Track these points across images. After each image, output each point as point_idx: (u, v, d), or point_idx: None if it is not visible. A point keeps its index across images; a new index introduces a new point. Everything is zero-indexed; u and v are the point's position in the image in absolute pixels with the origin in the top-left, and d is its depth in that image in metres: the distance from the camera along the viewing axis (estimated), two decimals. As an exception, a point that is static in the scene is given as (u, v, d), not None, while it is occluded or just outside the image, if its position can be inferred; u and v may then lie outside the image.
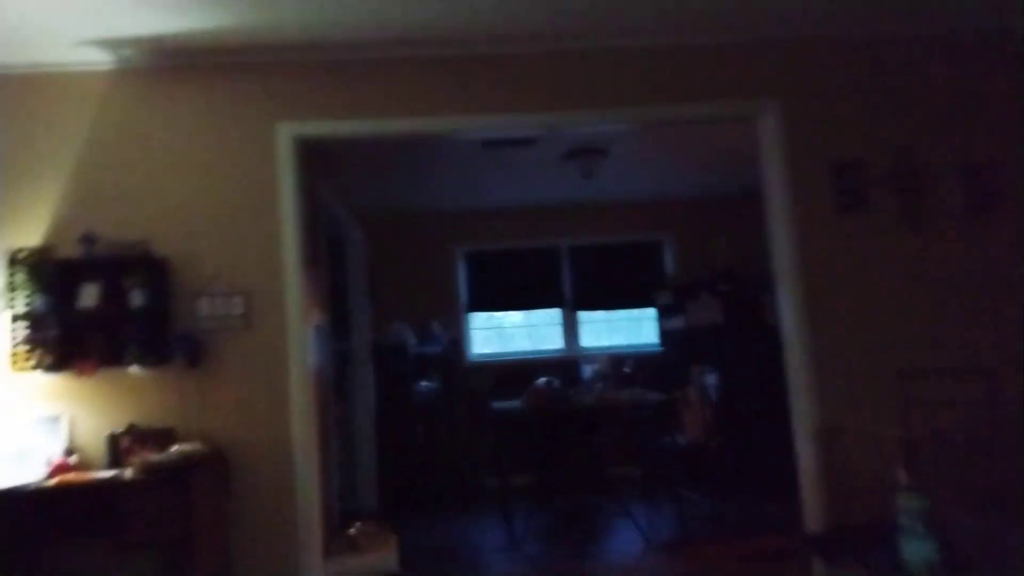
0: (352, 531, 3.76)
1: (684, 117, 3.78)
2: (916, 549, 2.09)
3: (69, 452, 3.37)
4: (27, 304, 3.38)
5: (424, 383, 6.51)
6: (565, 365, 6.72)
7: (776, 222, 3.75)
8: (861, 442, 3.54)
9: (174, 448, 3.18)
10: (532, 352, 7.32)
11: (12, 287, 3.36)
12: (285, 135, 3.61)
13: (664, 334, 6.87)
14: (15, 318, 3.35)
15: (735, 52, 3.78)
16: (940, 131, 3.78)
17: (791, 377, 3.71)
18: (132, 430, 3.39)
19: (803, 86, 3.78)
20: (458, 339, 7.10)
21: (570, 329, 7.36)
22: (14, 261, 3.39)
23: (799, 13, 3.58)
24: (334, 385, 5.03)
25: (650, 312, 7.25)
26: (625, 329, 7.49)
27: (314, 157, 4.16)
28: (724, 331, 6.01)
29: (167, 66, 3.62)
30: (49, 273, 3.38)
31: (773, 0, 3.43)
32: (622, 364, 5.84)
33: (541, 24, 3.51)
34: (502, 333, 7.48)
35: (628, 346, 7.29)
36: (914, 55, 3.82)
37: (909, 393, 3.33)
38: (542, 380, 5.20)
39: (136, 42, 3.42)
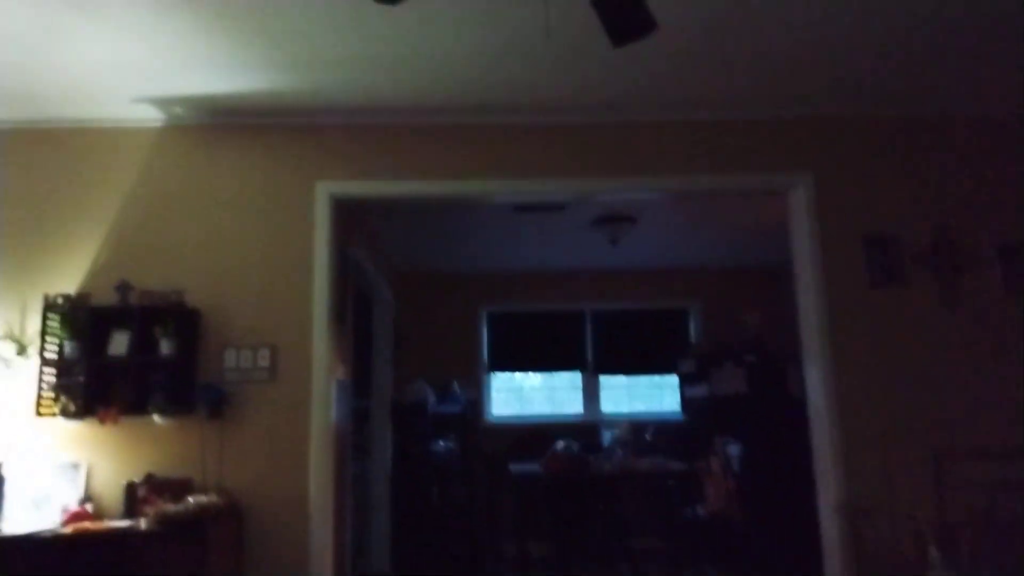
0: (364, 594, 3.67)
1: (716, 188, 3.80)
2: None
3: (86, 499, 3.35)
4: (57, 350, 3.41)
5: (442, 443, 6.44)
6: (584, 430, 6.63)
7: (806, 295, 3.73)
8: (891, 521, 3.43)
9: (190, 499, 3.15)
10: (551, 415, 7.24)
11: (44, 333, 3.39)
12: (323, 194, 3.68)
13: (686, 402, 6.77)
14: (44, 363, 3.37)
15: (768, 125, 3.82)
16: (977, 208, 3.77)
17: (817, 452, 3.64)
18: (150, 479, 3.37)
19: (836, 160, 3.80)
20: (477, 399, 7.05)
21: (590, 393, 7.29)
22: (50, 307, 3.44)
23: (833, 89, 3.61)
24: (353, 441, 4.99)
25: (672, 379, 7.16)
26: (646, 395, 7.40)
27: (348, 217, 4.22)
28: (749, 401, 5.91)
29: (213, 124, 3.73)
30: (82, 320, 3.41)
31: (807, 76, 3.47)
32: (643, 431, 5.75)
33: (577, 96, 3.58)
34: (522, 395, 7.42)
35: (649, 413, 7.19)
36: (950, 132, 3.83)
37: (943, 473, 3.24)
38: (561, 444, 5.13)
39: (186, 101, 3.54)
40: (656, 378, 7.36)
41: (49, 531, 3.07)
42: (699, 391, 6.36)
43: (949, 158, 3.81)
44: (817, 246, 3.71)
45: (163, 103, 3.55)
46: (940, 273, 3.69)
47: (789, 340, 6.28)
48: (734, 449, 5.47)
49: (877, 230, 3.73)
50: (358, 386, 5.25)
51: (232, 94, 3.47)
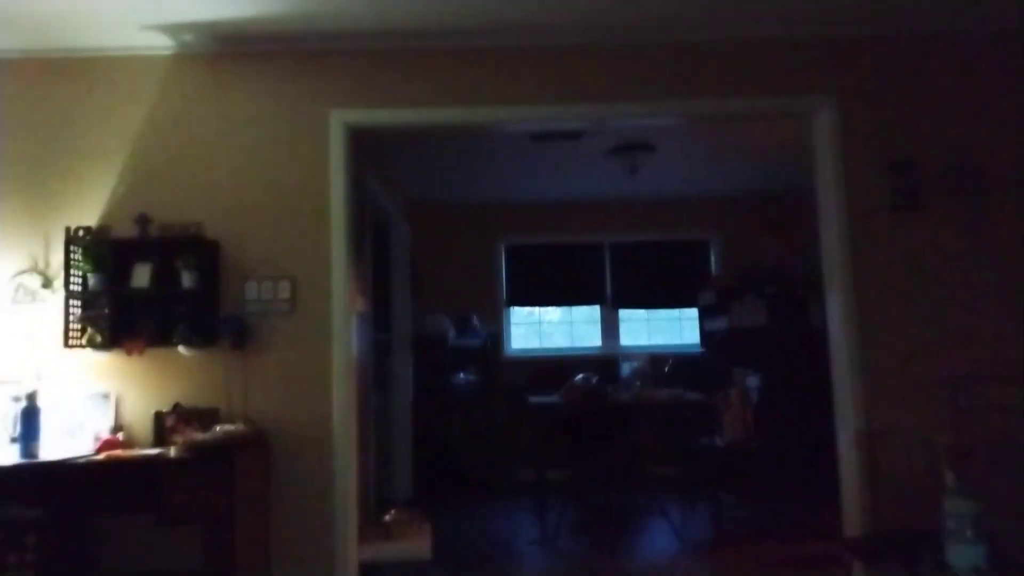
0: (387, 518, 3.79)
1: (736, 112, 3.72)
2: (963, 553, 2.04)
3: (117, 428, 3.45)
4: (81, 283, 3.45)
5: (462, 375, 6.53)
6: (603, 363, 6.67)
7: (827, 221, 3.67)
8: (907, 446, 3.45)
9: (218, 428, 3.23)
10: (570, 349, 7.30)
11: (68, 265, 3.44)
12: (337, 122, 3.64)
13: (706, 335, 6.78)
14: (70, 296, 3.43)
15: (790, 47, 3.70)
16: (1001, 132, 3.66)
17: (836, 380, 3.64)
18: (177, 409, 3.45)
19: (859, 82, 3.69)
20: (497, 333, 7.10)
21: (610, 327, 7.31)
22: (72, 240, 3.47)
23: (856, 7, 3.48)
24: (374, 374, 5.07)
25: (692, 312, 7.16)
26: (665, 329, 7.41)
27: (363, 146, 4.19)
28: (769, 333, 5.91)
29: (225, 52, 3.67)
30: (104, 253, 3.45)
31: (832, -5, 3.34)
32: (662, 364, 5.78)
33: (593, 15, 3.48)
34: (541, 329, 7.46)
35: (668, 346, 7.21)
36: (975, 52, 3.69)
37: (959, 398, 3.24)
38: (580, 376, 5.17)
39: (196, 27, 3.48)
40: (675, 311, 7.35)
41: (83, 457, 3.17)
42: (719, 324, 6.35)
43: (973, 78, 3.68)
44: (840, 170, 3.63)
45: (173, 30, 3.50)
46: (963, 197, 3.61)
47: (810, 270, 6.24)
48: (752, 380, 5.50)
49: (900, 153, 3.64)
50: (378, 319, 5.30)
51: (243, 19, 3.40)
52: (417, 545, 3.68)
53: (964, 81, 3.69)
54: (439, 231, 7.19)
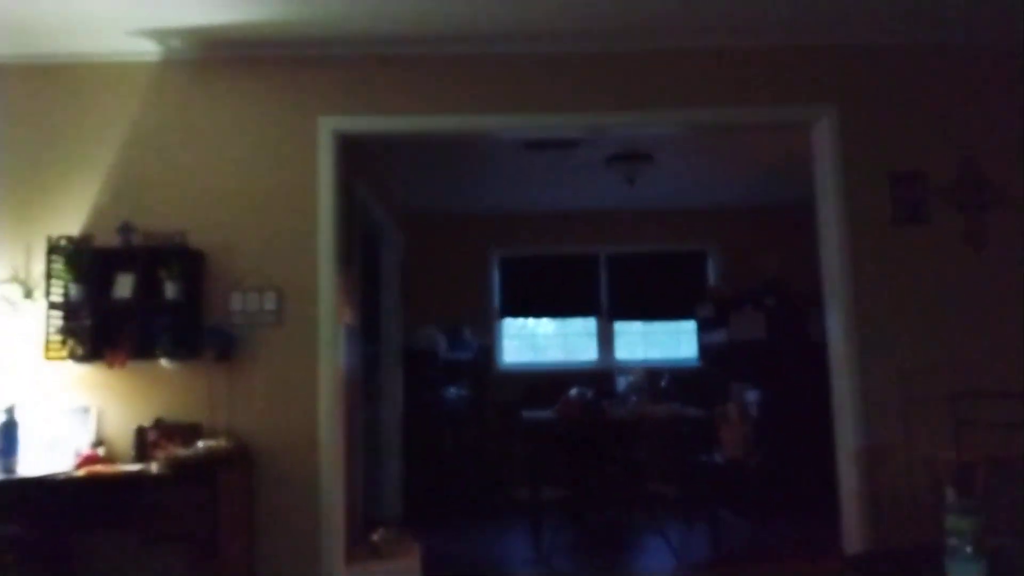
0: (375, 537, 3.69)
1: (735, 122, 3.68)
2: (964, 570, 1.99)
3: (98, 443, 3.36)
4: (63, 293, 3.36)
5: (453, 389, 6.43)
6: (599, 377, 6.58)
7: (828, 233, 3.62)
8: (908, 464, 3.40)
9: (200, 444, 3.15)
10: (565, 362, 7.20)
11: (49, 275, 3.35)
12: (326, 129, 3.58)
13: (703, 348, 6.70)
14: (51, 306, 3.34)
15: (790, 55, 3.65)
16: (1005, 144, 3.61)
17: (836, 395, 3.60)
18: (159, 424, 3.36)
19: (861, 92, 3.64)
20: (489, 346, 7.01)
21: (605, 340, 7.23)
22: (53, 249, 3.39)
23: (858, 17, 3.44)
24: (362, 388, 4.97)
25: (689, 325, 7.07)
26: (662, 342, 7.33)
27: (353, 154, 4.12)
28: (767, 347, 5.83)
29: (212, 58, 3.61)
30: (86, 262, 3.37)
31: (831, 3, 3.29)
32: (659, 378, 5.69)
33: (589, 22, 3.43)
34: (534, 342, 7.38)
35: (665, 359, 7.12)
36: (978, 63, 3.66)
37: (961, 415, 3.18)
38: (575, 391, 5.09)
39: (184, 33, 3.42)
40: (673, 324, 7.27)
41: (63, 473, 3.09)
42: (717, 337, 6.28)
43: (978, 90, 3.65)
44: (840, 182, 3.58)
45: (160, 35, 3.44)
46: (965, 210, 3.57)
47: (810, 283, 6.17)
48: (752, 395, 5.41)
49: (902, 165, 3.59)
50: (367, 331, 5.21)
51: (230, 24, 3.34)
52: (406, 565, 3.58)
53: (967, 92, 3.65)
54: (431, 241, 7.10)
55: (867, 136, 3.61)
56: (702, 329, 6.70)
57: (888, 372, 3.49)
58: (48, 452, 3.26)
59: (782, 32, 3.58)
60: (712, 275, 7.20)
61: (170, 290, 3.35)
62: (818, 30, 3.57)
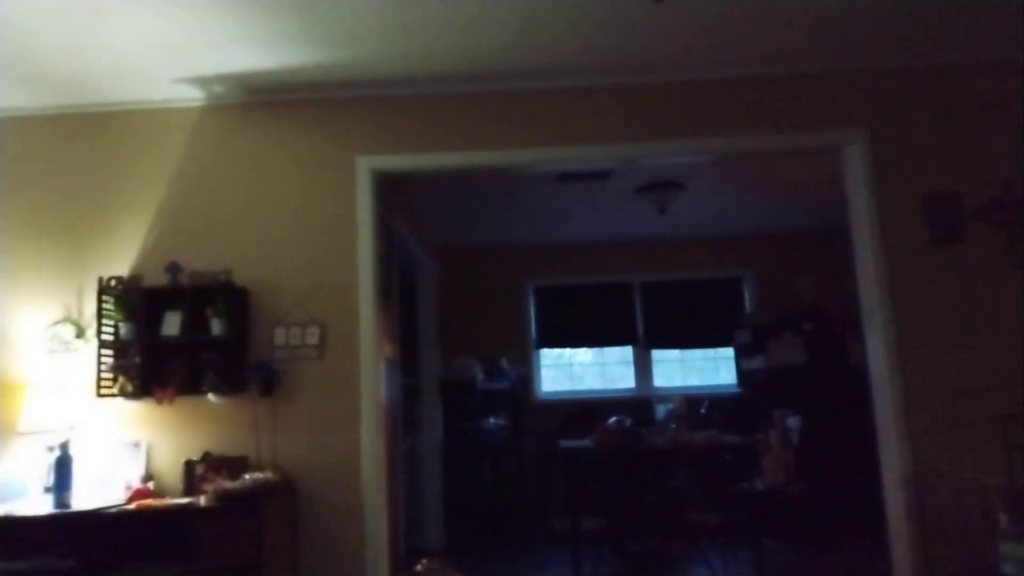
0: (418, 568, 3.70)
1: (766, 148, 3.68)
2: (1019, 599, 1.93)
3: (148, 477, 3.43)
4: (113, 332, 3.48)
5: (491, 420, 6.44)
6: (637, 404, 6.56)
7: (864, 257, 3.59)
8: (956, 489, 3.31)
9: (247, 476, 3.20)
10: (602, 391, 7.18)
11: (100, 315, 3.47)
12: (364, 168, 3.67)
13: (742, 374, 6.63)
14: (102, 345, 3.45)
15: (820, 81, 3.67)
16: (1043, 162, 3.56)
17: (879, 420, 3.53)
18: (207, 457, 3.43)
19: (892, 115, 3.63)
20: (527, 376, 7.02)
21: (642, 368, 7.20)
22: (104, 290, 3.51)
23: (887, 40, 3.45)
24: (402, 419, 5.02)
25: (727, 352, 7.02)
26: (701, 369, 7.27)
27: (389, 191, 4.22)
28: (807, 372, 5.76)
29: (253, 102, 3.74)
30: (135, 302, 3.48)
31: (859, 27, 3.31)
32: (698, 405, 5.64)
33: (618, 56, 3.49)
34: (571, 371, 7.37)
35: (704, 386, 7.07)
36: (1011, 81, 3.62)
37: (1011, 438, 3.10)
38: (613, 419, 5.07)
39: (226, 79, 3.55)
40: (711, 351, 7.22)
41: (115, 507, 3.16)
42: (756, 363, 6.22)
43: (1012, 109, 3.60)
44: (874, 205, 3.56)
45: (203, 82, 3.58)
46: (1004, 230, 3.52)
47: (847, 307, 6.10)
48: (793, 421, 5.34)
49: (937, 186, 3.57)
50: (406, 364, 5.27)
51: (270, 70, 3.47)
52: (449, 596, 3.58)
53: (1000, 111, 3.61)
54: (466, 274, 7.18)
55: (900, 158, 3.60)
56: (740, 355, 6.63)
57: (932, 395, 3.44)
58: (100, 486, 3.34)
59: (811, 58, 3.60)
60: (749, 301, 7.15)
61: (216, 327, 3.45)
62: (847, 54, 3.58)
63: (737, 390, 6.73)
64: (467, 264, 7.19)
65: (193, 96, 3.71)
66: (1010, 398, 3.36)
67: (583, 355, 7.40)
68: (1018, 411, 3.28)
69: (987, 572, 2.16)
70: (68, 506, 3.13)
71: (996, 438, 3.28)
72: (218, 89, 3.66)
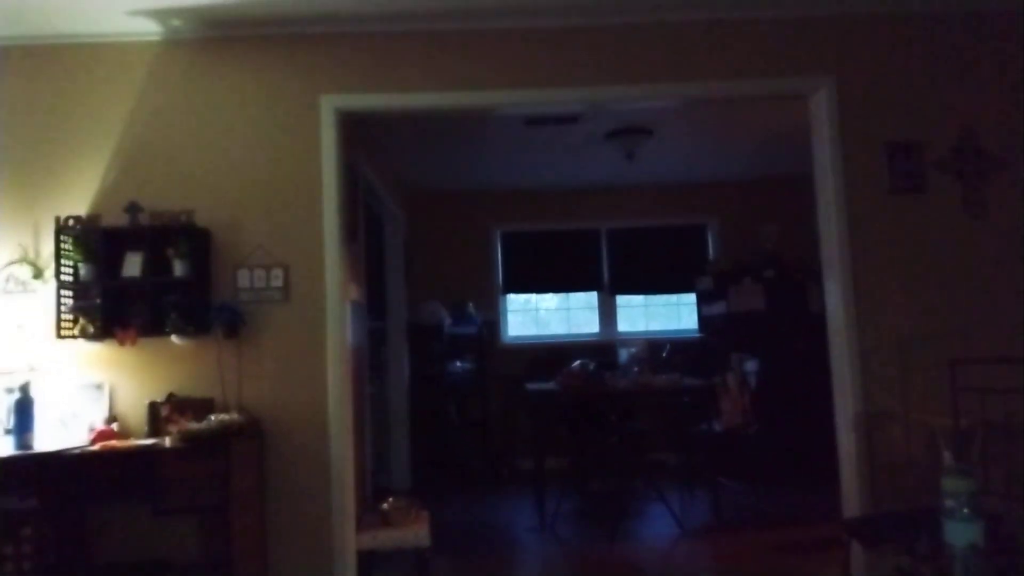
0: (385, 506, 3.76)
1: (732, 94, 3.68)
2: (960, 531, 2.04)
3: (111, 419, 3.42)
4: (72, 273, 3.42)
5: (458, 363, 6.51)
6: (601, 349, 6.66)
7: (826, 205, 3.65)
8: (905, 429, 3.45)
9: (212, 417, 3.21)
10: (567, 336, 7.28)
11: (59, 255, 3.39)
12: (328, 108, 3.59)
13: (704, 320, 6.77)
14: (61, 286, 3.39)
15: (787, 27, 3.66)
16: (1003, 112, 3.62)
17: (834, 364, 3.63)
18: (171, 399, 3.42)
19: (858, 63, 3.65)
20: (493, 321, 7.08)
21: (607, 313, 7.29)
22: (62, 230, 3.43)
23: (856, -13, 3.45)
24: (369, 362, 5.05)
25: (690, 298, 7.13)
26: (664, 315, 7.39)
27: (355, 132, 4.15)
28: (767, 318, 5.89)
29: (214, 37, 3.62)
30: (95, 242, 3.41)
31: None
32: (660, 349, 5.76)
33: (588, -3, 3.43)
34: (537, 316, 7.44)
35: (666, 331, 7.20)
36: (978, 30, 3.65)
37: (959, 381, 3.23)
38: (577, 362, 5.15)
39: (184, 12, 3.42)
40: (673, 297, 7.34)
41: (78, 448, 3.15)
42: (717, 309, 6.34)
43: (976, 58, 3.65)
44: (838, 153, 3.60)
45: (160, 15, 3.44)
46: (964, 179, 3.59)
47: (809, 254, 6.21)
48: (751, 365, 5.48)
49: (900, 135, 3.61)
50: (373, 307, 5.28)
51: (231, 3, 3.35)
52: (415, 533, 3.66)
53: (966, 61, 3.65)
54: (434, 218, 7.14)
55: (864, 107, 3.62)
56: (702, 301, 6.75)
57: (886, 340, 3.54)
58: (63, 428, 3.32)
59: (779, 3, 3.58)
60: (712, 248, 7.24)
61: (178, 268, 3.40)
62: (815, 1, 3.57)
63: (698, 335, 6.87)
64: (434, 208, 7.15)
65: (151, 30, 3.57)
66: (961, 344, 3.47)
67: (549, 300, 7.47)
68: (966, 356, 3.40)
69: (931, 508, 2.28)
70: (30, 447, 3.11)
71: (945, 381, 3.41)
72: (176, 23, 3.52)
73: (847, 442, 3.54)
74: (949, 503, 2.07)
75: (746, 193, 7.20)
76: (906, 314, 3.56)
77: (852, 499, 3.51)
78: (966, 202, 3.59)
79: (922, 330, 3.54)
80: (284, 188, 3.58)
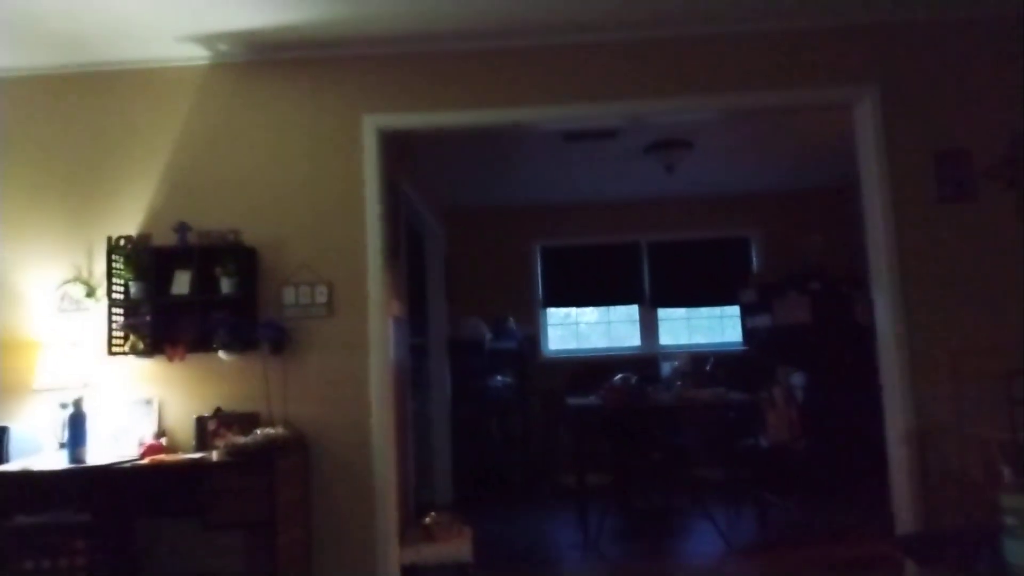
0: (427, 521, 3.77)
1: (775, 105, 3.65)
2: (1022, 550, 1.95)
3: (160, 433, 3.49)
4: (123, 291, 3.51)
5: (499, 378, 6.51)
6: (643, 363, 6.59)
7: (873, 215, 3.57)
8: (959, 444, 3.34)
9: (258, 432, 3.25)
10: (608, 349, 7.22)
11: (110, 274, 3.49)
12: (370, 127, 3.65)
13: (748, 333, 6.66)
14: (112, 304, 3.49)
15: (831, 36, 3.61)
16: (1056, 118, 3.52)
17: (885, 377, 3.55)
18: (218, 414, 3.49)
19: (903, 70, 3.58)
20: (534, 335, 7.06)
21: (648, 327, 7.22)
22: (113, 249, 3.53)
23: (900, -6, 3.39)
24: (411, 378, 5.07)
25: (733, 310, 7.03)
26: (706, 327, 7.30)
27: (397, 150, 4.20)
28: (812, 331, 5.78)
29: (258, 60, 3.71)
30: (145, 261, 3.51)
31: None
32: (703, 362, 5.68)
33: (626, 11, 3.44)
34: (578, 330, 7.41)
35: (709, 344, 7.10)
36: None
37: (1015, 393, 3.12)
38: (619, 376, 5.10)
39: (231, 37, 3.52)
40: (716, 310, 7.24)
41: (128, 462, 3.22)
42: (762, 321, 6.24)
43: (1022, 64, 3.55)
44: (884, 162, 3.53)
45: (207, 40, 3.54)
46: (1015, 186, 3.49)
47: (853, 265, 6.08)
48: (797, 379, 5.37)
49: (948, 143, 3.53)
50: (414, 323, 5.31)
51: (275, 27, 3.43)
52: (458, 548, 3.66)
53: (1014, 66, 3.56)
54: (474, 234, 7.17)
55: (911, 115, 3.56)
56: (746, 314, 6.65)
57: (938, 352, 3.45)
58: (114, 442, 3.41)
59: (821, 12, 3.54)
60: (755, 260, 7.14)
61: (225, 286, 3.48)
62: (858, 9, 3.52)
63: (742, 348, 6.76)
64: (474, 225, 7.18)
65: (198, 55, 3.68)
66: (1015, 355, 3.37)
67: (589, 314, 7.43)
68: (1021, 366, 3.29)
69: (988, 524, 2.19)
70: (83, 461, 3.19)
71: (1000, 394, 3.30)
72: (223, 47, 3.62)
73: (899, 457, 3.45)
74: (1010, 520, 2.00)
75: (788, 204, 7.09)
76: (957, 325, 3.46)
77: (905, 516, 3.42)
78: (1017, 209, 3.49)
79: (974, 341, 3.44)
80: (328, 207, 3.64)
